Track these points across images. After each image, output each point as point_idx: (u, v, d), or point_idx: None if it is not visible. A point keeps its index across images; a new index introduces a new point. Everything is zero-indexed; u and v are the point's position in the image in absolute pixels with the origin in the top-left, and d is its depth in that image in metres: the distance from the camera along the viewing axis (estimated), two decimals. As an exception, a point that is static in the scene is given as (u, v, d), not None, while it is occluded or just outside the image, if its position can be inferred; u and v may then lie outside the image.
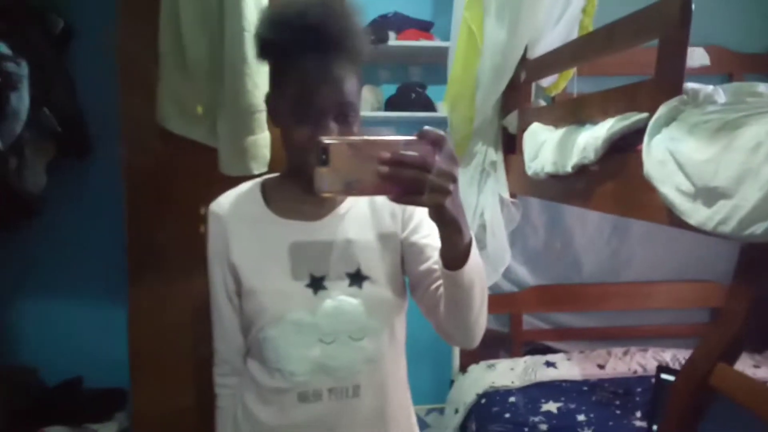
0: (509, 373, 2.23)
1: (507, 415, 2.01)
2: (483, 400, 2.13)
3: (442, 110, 2.40)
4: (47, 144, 1.51)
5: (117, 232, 1.56)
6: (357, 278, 1.02)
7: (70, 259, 1.99)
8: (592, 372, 2.27)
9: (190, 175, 1.57)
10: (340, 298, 1.01)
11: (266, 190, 1.08)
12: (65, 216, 1.91)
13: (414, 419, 1.17)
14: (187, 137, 1.50)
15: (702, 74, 2.51)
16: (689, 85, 1.24)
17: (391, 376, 1.07)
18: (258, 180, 1.11)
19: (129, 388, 1.58)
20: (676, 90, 1.17)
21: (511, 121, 2.09)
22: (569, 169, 1.51)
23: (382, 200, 1.07)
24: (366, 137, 0.78)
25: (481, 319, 0.97)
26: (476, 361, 2.37)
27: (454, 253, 0.86)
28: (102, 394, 1.94)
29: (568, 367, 2.29)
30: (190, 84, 1.47)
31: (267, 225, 1.04)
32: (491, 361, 2.33)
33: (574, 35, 1.93)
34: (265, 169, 1.45)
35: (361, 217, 1.06)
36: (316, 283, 1.01)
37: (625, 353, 2.44)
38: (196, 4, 1.39)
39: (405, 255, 1.06)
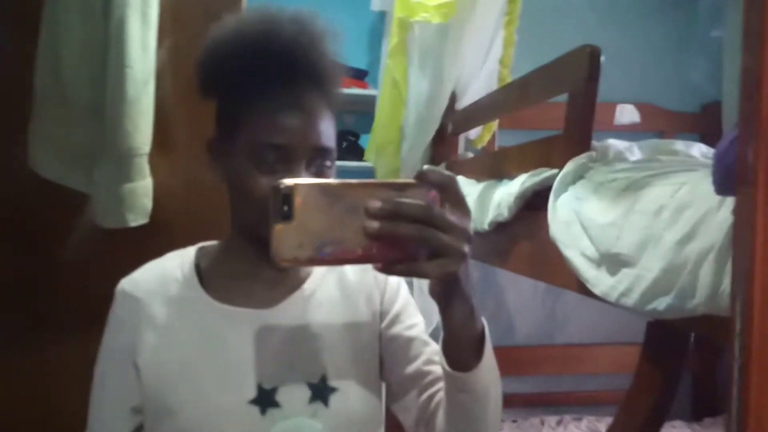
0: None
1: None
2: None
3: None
4: None
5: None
6: (322, 390, 0.74)
7: None
8: (524, 444, 2.14)
9: (67, 228, 1.40)
10: (298, 421, 0.72)
11: (202, 264, 0.80)
12: None
13: None
14: (63, 184, 1.34)
15: (633, 131, 2.50)
16: (609, 142, 1.17)
17: None
18: (191, 250, 0.82)
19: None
20: (584, 146, 1.09)
21: (440, 174, 2.02)
22: (486, 226, 1.41)
23: (356, 277, 0.81)
24: (346, 180, 0.56)
25: None
26: None
27: (465, 347, 0.62)
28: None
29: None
30: (68, 124, 1.33)
31: (200, 314, 0.75)
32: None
33: (494, 87, 1.88)
34: (145, 220, 1.29)
35: (329, 303, 0.78)
36: (266, 399, 0.72)
37: (559, 423, 2.31)
38: (80, 38, 1.27)
39: (385, 353, 0.79)
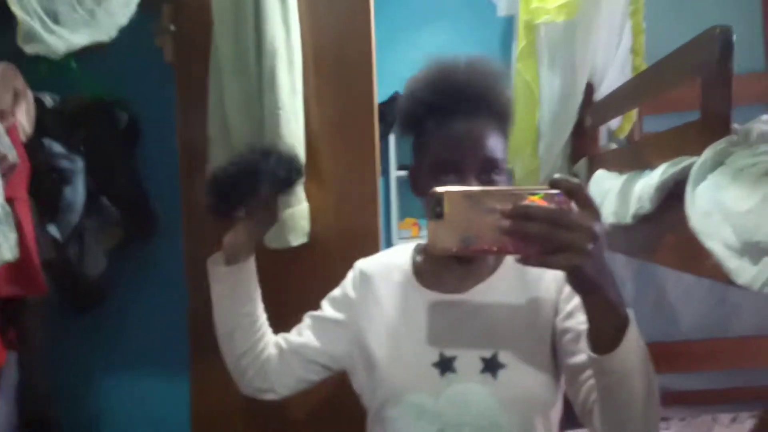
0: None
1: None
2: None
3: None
4: (110, 230, 1.62)
5: (180, 311, 1.62)
6: (492, 365, 0.89)
7: (136, 337, 2.06)
8: (697, 443, 2.02)
9: None
10: (470, 386, 0.88)
11: (416, 258, 1.05)
12: (133, 296, 2.00)
13: None
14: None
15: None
16: (753, 124, 1.11)
17: None
18: (411, 245, 1.09)
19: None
20: (723, 130, 1.05)
21: (581, 168, 1.98)
22: (629, 219, 1.39)
23: (536, 274, 0.95)
24: (487, 188, 0.72)
25: (648, 421, 0.76)
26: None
27: (601, 331, 0.71)
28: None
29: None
30: (237, 135, 1.52)
31: (408, 293, 0.99)
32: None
33: (629, 76, 1.82)
34: (304, 240, 1.46)
35: (509, 292, 0.95)
36: (445, 364, 0.90)
37: (734, 420, 2.14)
38: (240, 88, 1.47)
39: (558, 343, 0.91)
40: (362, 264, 1.08)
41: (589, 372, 0.82)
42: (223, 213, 1.04)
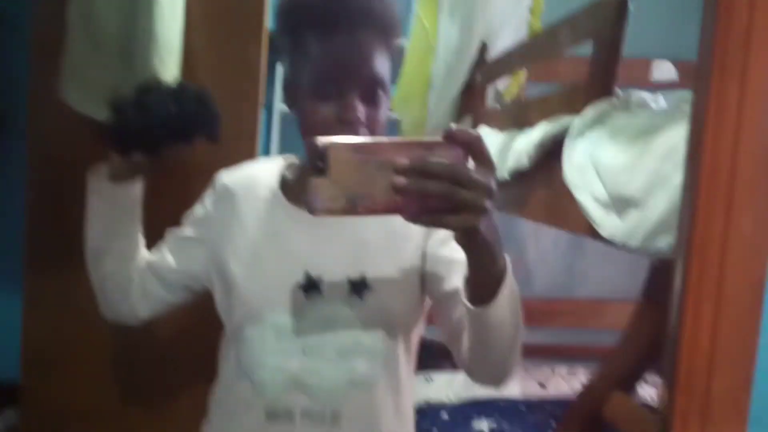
0: (446, 388, 2.14)
1: (435, 432, 1.91)
2: (415, 417, 2.03)
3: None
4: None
5: (16, 214, 1.44)
6: (359, 287, 0.87)
7: None
8: (533, 391, 2.18)
9: (100, 157, 1.46)
10: (336, 307, 0.87)
11: (285, 172, 0.98)
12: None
13: None
14: (93, 118, 1.39)
15: (670, 89, 2.44)
16: (633, 91, 1.17)
17: (385, 408, 0.89)
18: (279, 159, 1.01)
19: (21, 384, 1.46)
20: (607, 94, 1.09)
21: (465, 125, 2.02)
22: (506, 175, 1.43)
23: None
24: (378, 138, 0.63)
25: (512, 359, 0.80)
26: (415, 373, 2.27)
27: (482, 285, 0.70)
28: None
29: (508, 384, 2.20)
30: (98, 60, 1.36)
31: (274, 209, 0.93)
32: (430, 374, 2.23)
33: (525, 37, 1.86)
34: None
35: (381, 217, 0.90)
36: (311, 284, 0.87)
37: (570, 372, 2.35)
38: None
39: (427, 269, 0.90)
40: (225, 177, 0.99)
41: (458, 300, 0.80)
42: (125, 153, 0.97)
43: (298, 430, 0.87)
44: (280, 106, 2.49)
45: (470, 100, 2.00)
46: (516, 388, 2.20)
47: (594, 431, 1.10)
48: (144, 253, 1.03)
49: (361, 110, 0.83)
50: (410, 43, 2.04)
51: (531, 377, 2.30)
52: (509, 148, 1.42)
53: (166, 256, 1.01)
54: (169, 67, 1.29)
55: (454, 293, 0.83)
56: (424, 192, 0.59)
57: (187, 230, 1.01)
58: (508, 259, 0.72)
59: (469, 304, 0.72)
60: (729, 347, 0.44)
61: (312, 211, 0.60)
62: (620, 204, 0.87)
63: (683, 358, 0.44)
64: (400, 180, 0.59)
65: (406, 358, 0.93)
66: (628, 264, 2.54)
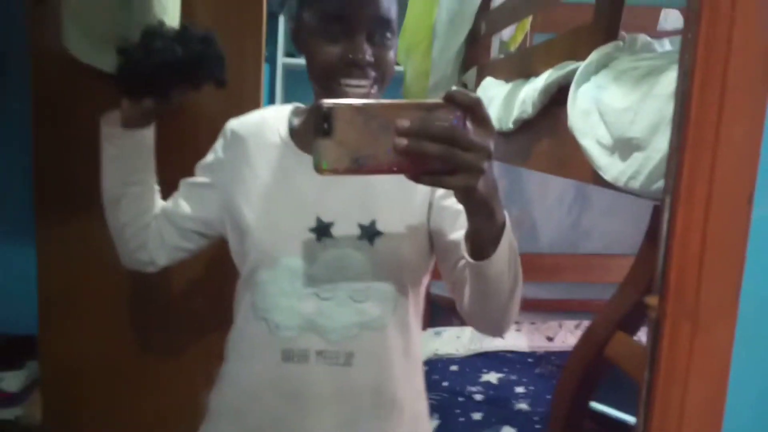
0: (455, 341, 2.17)
1: (445, 384, 1.95)
2: (425, 368, 2.06)
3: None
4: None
5: (24, 164, 1.44)
6: (369, 232, 0.89)
7: None
8: (540, 344, 2.21)
9: (106, 107, 1.45)
10: (347, 251, 0.89)
11: (293, 119, 1.00)
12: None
13: (423, 407, 1.02)
14: (95, 66, 1.38)
15: (678, 37, 2.38)
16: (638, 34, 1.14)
17: (395, 349, 0.93)
18: (288, 106, 1.03)
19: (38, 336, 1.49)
20: (612, 37, 1.06)
21: (471, 77, 1.98)
22: (511, 125, 1.41)
23: None
24: (380, 101, 0.64)
25: (511, 310, 0.83)
26: (424, 328, 2.30)
27: (482, 241, 0.73)
28: (11, 341, 1.84)
29: (515, 337, 2.23)
30: (98, 7, 1.34)
31: (284, 155, 0.95)
32: (439, 329, 2.27)
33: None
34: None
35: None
36: (322, 229, 0.89)
37: (577, 326, 2.37)
38: None
39: (433, 219, 0.92)
40: (234, 124, 1.01)
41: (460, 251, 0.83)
42: (135, 98, 0.98)
43: (312, 369, 0.89)
44: (282, 60, 2.46)
45: (475, 52, 1.97)
46: (523, 341, 2.22)
47: (597, 372, 1.11)
48: (159, 202, 1.06)
49: (368, 51, 0.84)
50: (414, -9, 1.99)
51: (538, 331, 2.33)
52: (515, 98, 1.39)
53: (180, 203, 1.03)
54: (169, 14, 1.27)
55: (457, 244, 0.84)
56: (423, 153, 0.61)
57: (200, 177, 1.03)
58: (507, 216, 0.74)
59: (469, 258, 0.75)
60: (718, 253, 0.46)
61: (318, 170, 0.63)
62: (624, 147, 0.85)
63: (674, 263, 0.45)
64: (402, 141, 0.61)
65: (414, 304, 0.96)
66: (633, 218, 2.54)
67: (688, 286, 0.45)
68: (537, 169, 1.38)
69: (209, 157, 1.03)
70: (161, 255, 1.04)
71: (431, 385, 1.95)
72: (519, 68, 1.50)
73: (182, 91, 1.01)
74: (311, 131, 0.90)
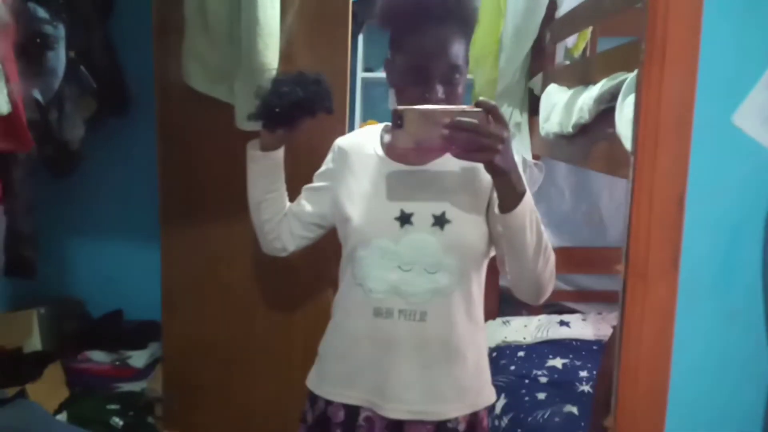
0: (522, 329, 2.30)
1: (512, 368, 2.08)
2: (494, 354, 2.21)
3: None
4: (86, 100, 1.67)
5: (152, 182, 1.72)
6: (440, 220, 1.15)
7: (112, 204, 2.21)
8: (606, 332, 2.30)
9: (218, 129, 1.66)
10: (422, 235, 1.15)
11: (384, 134, 1.28)
12: (107, 166, 2.12)
13: (485, 361, 1.27)
14: (209, 95, 1.62)
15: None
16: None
17: (460, 311, 1.18)
18: (380, 125, 1.33)
19: (162, 322, 1.76)
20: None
21: (537, 83, 2.11)
22: (570, 129, 1.54)
23: None
24: (433, 106, 1.00)
25: (542, 276, 1.12)
26: (493, 318, 2.45)
27: (506, 200, 1.04)
28: (139, 325, 2.17)
29: (581, 326, 2.33)
30: (211, 45, 1.58)
31: (377, 163, 1.23)
32: (507, 318, 2.40)
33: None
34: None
35: (457, 165, 1.19)
36: (404, 218, 1.16)
37: (643, 317, 2.43)
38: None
39: (490, 208, 1.18)
40: (340, 141, 1.33)
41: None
42: (271, 129, 1.31)
43: (396, 323, 1.16)
44: (361, 75, 2.67)
45: (540, 59, 2.09)
46: (589, 330, 2.32)
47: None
48: (288, 204, 1.38)
49: (440, 90, 1.10)
50: (481, 7, 2.13)
51: (604, 321, 2.41)
52: (574, 104, 1.52)
53: (303, 203, 1.35)
54: (271, 49, 1.49)
55: (497, 217, 1.11)
56: (458, 138, 0.97)
57: (316, 183, 1.34)
58: (528, 188, 1.06)
59: (497, 211, 1.07)
60: (661, 228, 0.72)
61: (393, 147, 1.06)
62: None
63: (632, 237, 0.72)
64: (445, 132, 0.97)
65: (477, 278, 1.22)
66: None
67: (641, 253, 0.73)
68: (596, 170, 1.51)
69: (323, 168, 1.34)
70: (290, 243, 1.35)
71: (499, 369, 2.10)
72: (579, 76, 1.62)
73: (303, 121, 1.31)
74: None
